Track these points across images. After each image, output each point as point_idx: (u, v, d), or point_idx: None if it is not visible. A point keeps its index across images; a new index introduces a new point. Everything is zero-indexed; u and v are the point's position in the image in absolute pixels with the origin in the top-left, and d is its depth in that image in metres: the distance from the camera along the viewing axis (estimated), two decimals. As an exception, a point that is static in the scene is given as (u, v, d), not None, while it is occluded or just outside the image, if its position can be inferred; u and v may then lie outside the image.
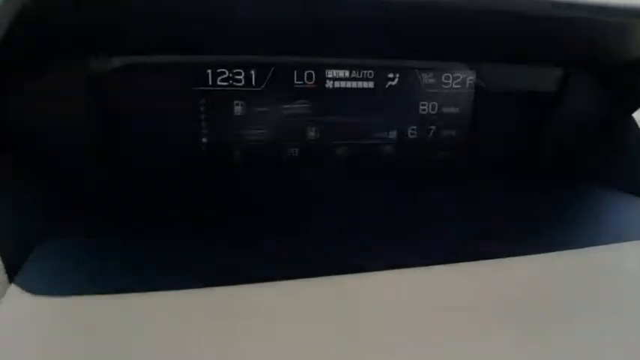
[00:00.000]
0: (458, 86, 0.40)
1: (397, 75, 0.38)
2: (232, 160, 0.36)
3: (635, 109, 0.40)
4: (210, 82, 0.35)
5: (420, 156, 0.40)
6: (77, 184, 0.31)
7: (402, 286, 0.22)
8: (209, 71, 0.34)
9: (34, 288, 0.20)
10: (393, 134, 0.39)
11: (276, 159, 0.37)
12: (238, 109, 0.36)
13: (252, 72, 0.35)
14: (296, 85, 0.36)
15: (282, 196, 0.35)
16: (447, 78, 0.39)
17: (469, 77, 0.40)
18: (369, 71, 0.37)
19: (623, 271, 0.25)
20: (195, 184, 0.35)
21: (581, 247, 0.27)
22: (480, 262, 0.24)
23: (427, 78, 0.39)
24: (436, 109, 0.40)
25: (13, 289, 0.20)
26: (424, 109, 0.40)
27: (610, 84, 0.39)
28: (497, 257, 0.25)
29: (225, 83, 0.35)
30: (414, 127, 0.40)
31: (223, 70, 0.35)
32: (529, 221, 0.31)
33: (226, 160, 0.36)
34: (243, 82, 0.35)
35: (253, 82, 0.35)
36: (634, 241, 0.28)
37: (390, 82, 0.38)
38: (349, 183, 0.38)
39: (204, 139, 0.35)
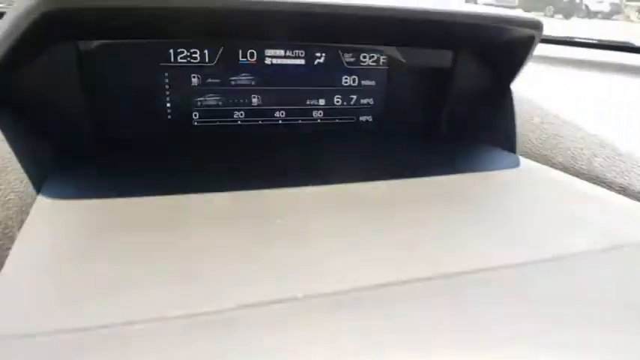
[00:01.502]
0: (373, 64, 0.50)
1: (323, 54, 0.48)
2: (191, 121, 0.46)
3: (511, 82, 0.51)
4: (173, 60, 0.44)
5: (344, 120, 0.51)
6: (69, 139, 0.40)
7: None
8: (171, 51, 0.44)
9: (58, 197, 0.30)
10: (321, 102, 0.50)
11: (226, 121, 0.47)
12: (195, 81, 0.45)
13: (206, 51, 0.45)
14: (241, 62, 0.46)
15: (231, 148, 0.45)
16: (365, 57, 0.50)
17: (382, 57, 0.50)
18: (301, 51, 0.47)
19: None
20: (162, 139, 0.45)
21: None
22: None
23: (348, 57, 0.49)
24: (356, 82, 0.50)
25: (41, 198, 0.30)
26: (346, 82, 0.50)
27: (490, 62, 0.50)
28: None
29: (185, 60, 0.44)
30: (339, 97, 0.50)
31: (182, 50, 0.44)
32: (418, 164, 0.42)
33: (186, 121, 0.46)
34: (198, 59, 0.45)
35: (207, 59, 0.45)
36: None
37: (317, 60, 0.48)
38: (284, 140, 0.48)
39: (168, 105, 0.45)
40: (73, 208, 0.29)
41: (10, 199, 0.26)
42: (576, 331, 0.19)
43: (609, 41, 1.07)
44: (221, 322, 0.19)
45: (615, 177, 0.36)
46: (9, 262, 0.23)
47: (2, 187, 0.26)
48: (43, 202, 0.29)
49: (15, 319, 0.19)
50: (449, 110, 0.52)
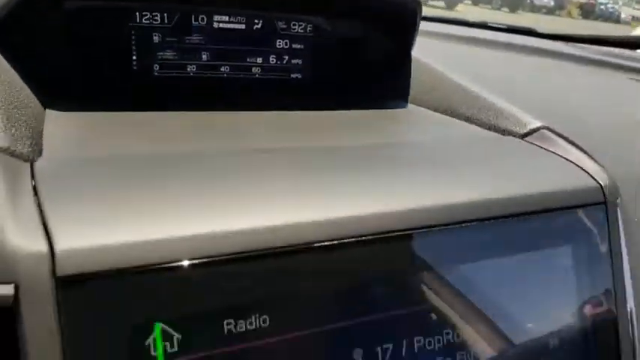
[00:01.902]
0: (302, 31, 0.63)
1: (260, 21, 0.60)
2: (152, 72, 0.57)
3: (410, 49, 0.65)
4: (138, 20, 0.55)
5: (278, 76, 0.64)
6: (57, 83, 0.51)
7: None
8: (137, 13, 0.55)
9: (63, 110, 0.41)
10: (259, 60, 0.62)
11: (181, 72, 0.59)
12: (156, 39, 0.56)
13: (165, 15, 0.56)
14: (193, 25, 0.57)
15: (184, 94, 0.57)
16: (294, 25, 0.62)
17: (308, 25, 0.63)
18: (242, 17, 0.59)
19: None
20: (128, 82, 0.56)
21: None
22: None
23: (281, 24, 0.61)
24: (288, 45, 0.63)
25: (49, 111, 0.41)
26: (279, 45, 0.62)
27: (392, 32, 0.64)
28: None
29: (148, 22, 0.56)
30: (274, 57, 0.62)
31: (146, 13, 0.55)
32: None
33: (148, 71, 0.57)
34: (159, 21, 0.56)
35: (166, 21, 0.56)
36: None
37: (256, 26, 0.60)
38: (228, 90, 0.60)
39: (134, 57, 0.56)
40: (80, 116, 0.40)
41: (31, 103, 0.37)
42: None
43: (516, 26, 1.25)
44: (191, 156, 0.33)
45: (466, 111, 0.51)
46: (46, 139, 0.34)
47: (24, 96, 0.37)
48: (52, 113, 0.40)
49: (66, 150, 0.32)
50: (362, 69, 0.66)
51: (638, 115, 0.71)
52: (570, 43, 1.20)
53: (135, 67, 0.56)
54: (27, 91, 0.39)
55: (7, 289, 0.19)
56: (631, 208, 0.47)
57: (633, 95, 0.88)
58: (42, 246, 0.20)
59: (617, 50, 1.20)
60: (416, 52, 0.66)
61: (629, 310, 0.38)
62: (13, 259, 0.19)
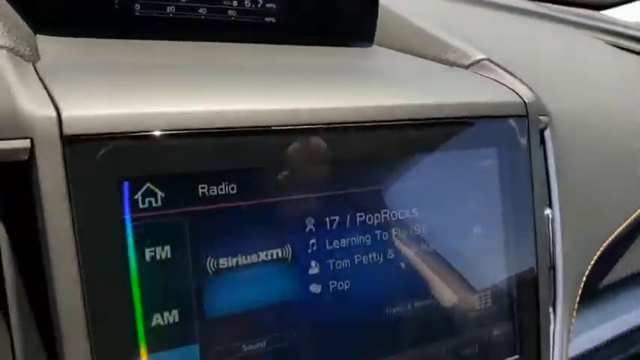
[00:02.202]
0: (276, -22, 0.67)
1: (236, -34, 0.64)
2: (134, 12, 0.61)
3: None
4: (120, -37, 0.59)
5: (252, 19, 0.68)
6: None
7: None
8: (119, -44, 0.58)
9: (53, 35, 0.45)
10: (235, 3, 0.66)
11: (161, 13, 0.63)
12: None
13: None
14: (174, -30, 0.61)
15: (165, 32, 0.61)
16: (268, -28, 0.66)
17: (281, -28, 0.67)
18: (217, -34, 0.63)
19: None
20: (110, 20, 0.60)
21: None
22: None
23: (255, -29, 0.66)
24: (263, -10, 0.67)
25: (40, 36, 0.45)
26: (255, -11, 0.67)
27: None
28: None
29: (129, -36, 0.59)
30: (249, 0, 0.67)
31: (127, -45, 0.59)
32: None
33: (130, 11, 0.61)
34: (140, -36, 0.60)
35: (146, -35, 0.60)
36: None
37: (231, -27, 0.64)
38: (207, 30, 0.65)
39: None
40: (70, 39, 0.44)
41: (23, 25, 0.41)
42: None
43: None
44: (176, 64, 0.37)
45: (420, 47, 0.56)
46: (41, 51, 0.39)
47: (16, 17, 0.41)
48: (42, 36, 0.44)
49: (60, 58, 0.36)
50: (332, 14, 0.71)
51: (592, 66, 0.77)
52: (542, 3, 1.26)
53: (117, 7, 0.60)
54: (17, 15, 0.43)
55: (25, 143, 0.24)
56: (566, 139, 0.53)
57: (594, 51, 0.95)
58: (51, 112, 0.25)
59: (583, 11, 1.26)
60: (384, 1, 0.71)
61: (546, 214, 0.45)
62: (28, 121, 0.24)
